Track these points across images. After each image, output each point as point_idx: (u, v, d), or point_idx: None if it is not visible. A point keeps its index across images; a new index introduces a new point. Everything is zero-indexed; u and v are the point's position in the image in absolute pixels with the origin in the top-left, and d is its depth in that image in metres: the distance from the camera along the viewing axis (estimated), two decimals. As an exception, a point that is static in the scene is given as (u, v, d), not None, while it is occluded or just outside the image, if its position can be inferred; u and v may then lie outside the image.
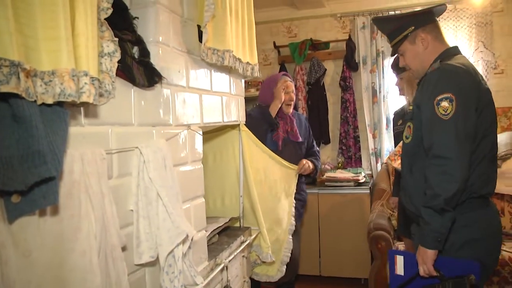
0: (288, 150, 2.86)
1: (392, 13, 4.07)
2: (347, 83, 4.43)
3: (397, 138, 2.94)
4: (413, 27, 1.82)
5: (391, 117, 3.68)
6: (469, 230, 1.66)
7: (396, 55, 2.81)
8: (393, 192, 3.17)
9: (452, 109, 1.59)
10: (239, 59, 1.99)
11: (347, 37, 4.44)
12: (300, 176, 2.85)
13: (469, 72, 1.68)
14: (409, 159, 1.81)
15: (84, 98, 0.96)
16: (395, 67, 2.83)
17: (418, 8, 1.96)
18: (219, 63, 1.79)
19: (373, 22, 2.05)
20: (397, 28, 1.86)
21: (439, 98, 1.61)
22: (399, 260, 1.78)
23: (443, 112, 1.60)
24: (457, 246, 1.66)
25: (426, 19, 1.84)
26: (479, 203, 1.69)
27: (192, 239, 1.43)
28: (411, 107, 1.84)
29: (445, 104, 1.60)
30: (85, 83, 0.96)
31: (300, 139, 2.94)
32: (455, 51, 1.83)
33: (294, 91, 3.00)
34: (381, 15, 1.84)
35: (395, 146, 3.07)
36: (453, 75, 1.65)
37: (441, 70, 1.69)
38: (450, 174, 1.56)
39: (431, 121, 1.64)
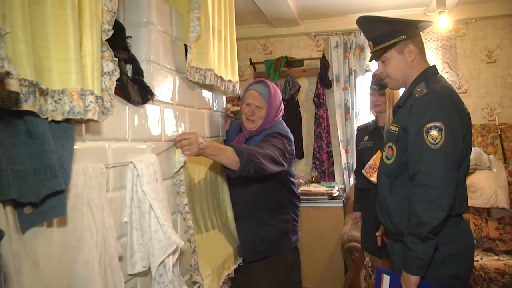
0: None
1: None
2: (321, 100, 4.57)
3: (364, 153, 2.93)
4: (404, 36, 1.76)
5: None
6: (448, 246, 1.68)
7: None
8: (354, 208, 3.18)
9: (441, 138, 1.59)
10: (220, 77, 2.07)
11: (321, 56, 4.60)
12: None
13: (455, 98, 1.71)
14: (389, 179, 1.81)
15: (89, 116, 1.02)
16: (378, 83, 2.74)
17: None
18: (201, 81, 1.87)
19: (358, 22, 1.88)
20: (386, 32, 1.77)
21: (428, 126, 1.62)
22: (385, 279, 1.81)
23: (432, 141, 1.60)
24: (438, 263, 1.68)
25: (416, 31, 1.80)
26: (455, 220, 1.72)
27: (179, 250, 1.49)
28: (392, 127, 1.82)
29: (434, 133, 1.60)
30: (91, 101, 1.02)
31: None
32: (435, 70, 1.82)
33: (265, 105, 2.29)
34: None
35: (357, 161, 3.10)
36: (443, 103, 1.65)
37: (431, 96, 1.67)
38: (436, 204, 1.57)
39: (419, 149, 1.64)
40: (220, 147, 1.90)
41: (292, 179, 2.39)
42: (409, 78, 1.81)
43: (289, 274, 2.40)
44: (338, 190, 4.20)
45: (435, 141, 1.60)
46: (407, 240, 1.63)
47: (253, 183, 2.22)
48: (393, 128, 1.81)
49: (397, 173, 1.78)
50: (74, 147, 1.03)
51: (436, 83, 1.74)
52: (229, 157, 1.87)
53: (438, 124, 1.61)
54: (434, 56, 4.34)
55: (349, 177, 4.47)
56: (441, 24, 4.13)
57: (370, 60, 1.93)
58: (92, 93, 1.03)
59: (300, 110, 4.68)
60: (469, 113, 1.76)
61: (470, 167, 3.82)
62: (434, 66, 1.85)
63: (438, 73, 1.83)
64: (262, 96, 2.31)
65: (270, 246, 2.27)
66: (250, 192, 2.25)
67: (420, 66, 1.80)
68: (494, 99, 4.37)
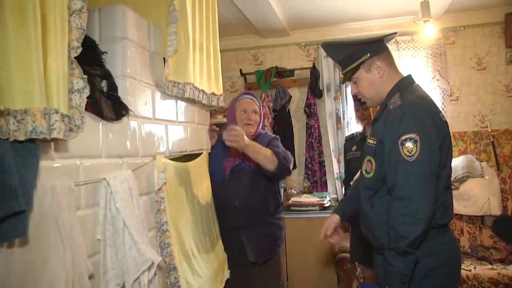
0: (237, 181, 2.43)
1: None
2: (312, 110, 4.57)
3: (352, 163, 2.93)
4: (368, 55, 1.77)
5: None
6: (431, 259, 1.65)
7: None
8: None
9: (416, 150, 1.57)
10: (202, 90, 2.06)
11: (312, 65, 4.62)
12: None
13: (431, 107, 1.69)
14: (370, 192, 1.78)
15: (54, 135, 1.01)
16: (359, 99, 2.79)
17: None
18: (180, 95, 1.86)
19: (323, 47, 1.94)
20: (351, 54, 1.79)
21: (403, 138, 1.60)
22: None
23: (408, 153, 1.58)
24: (421, 276, 1.65)
25: (381, 47, 1.80)
26: (438, 232, 1.68)
27: (158, 266, 1.47)
28: (370, 141, 1.79)
29: (409, 145, 1.58)
30: (56, 120, 1.02)
31: (252, 166, 2.41)
32: (410, 80, 1.81)
33: (258, 111, 2.56)
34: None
35: (345, 172, 3.13)
36: (417, 113, 1.63)
37: (405, 108, 1.66)
38: (414, 217, 1.54)
39: (395, 162, 1.62)
40: (260, 147, 2.28)
41: None
42: (383, 93, 1.80)
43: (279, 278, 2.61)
44: (329, 200, 4.19)
45: (410, 153, 1.58)
46: (387, 255, 1.60)
47: (261, 186, 2.44)
48: (371, 141, 1.79)
49: (376, 186, 1.75)
50: (41, 166, 1.03)
51: (411, 94, 1.72)
52: (267, 157, 2.27)
53: (413, 136, 1.58)
54: (424, 64, 4.35)
55: (342, 186, 4.45)
56: (426, 33, 4.15)
57: (343, 82, 1.94)
58: (57, 112, 1.03)
59: (291, 120, 4.69)
60: (446, 122, 1.75)
61: (463, 175, 3.86)
62: (410, 75, 1.83)
63: (413, 82, 1.82)
64: (255, 102, 2.59)
65: (275, 245, 2.49)
66: (258, 196, 2.43)
67: (393, 79, 1.79)
68: (485, 105, 4.38)
